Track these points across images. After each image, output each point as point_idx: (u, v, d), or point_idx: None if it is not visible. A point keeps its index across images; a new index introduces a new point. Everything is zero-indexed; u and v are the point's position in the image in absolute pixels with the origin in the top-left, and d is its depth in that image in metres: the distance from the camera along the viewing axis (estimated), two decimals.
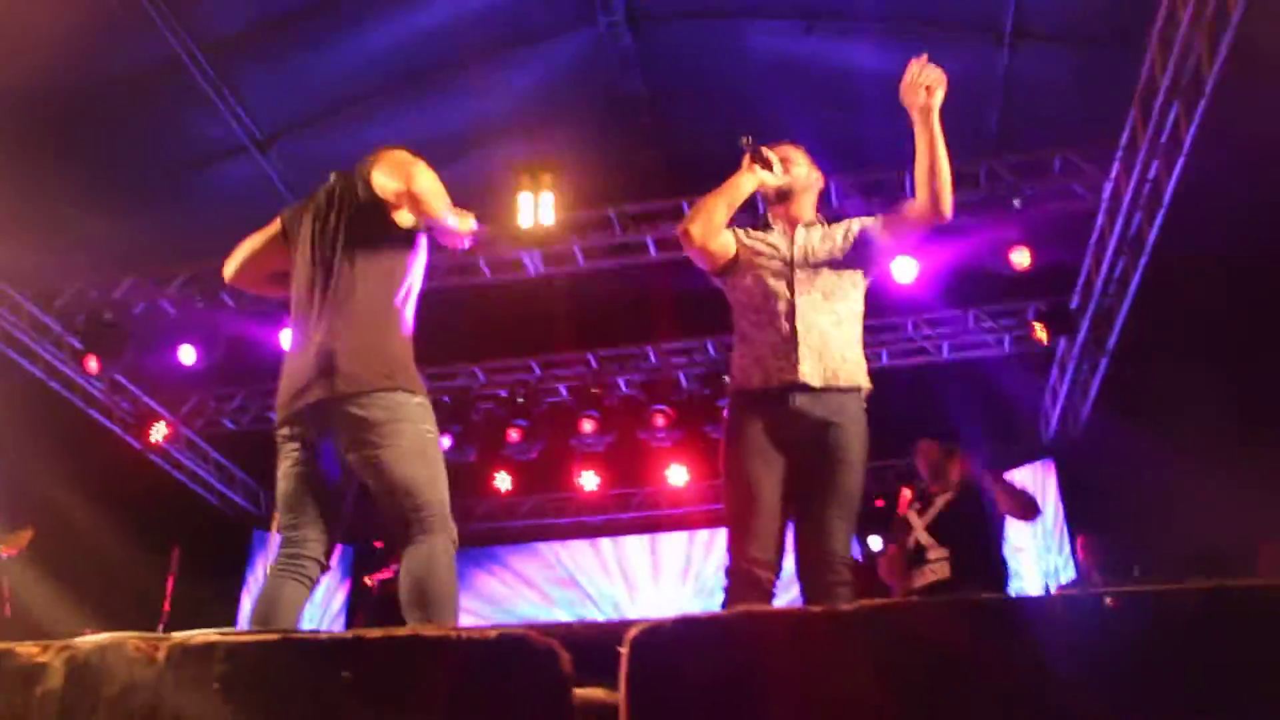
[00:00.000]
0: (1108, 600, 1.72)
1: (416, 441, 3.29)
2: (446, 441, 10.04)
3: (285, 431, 3.40)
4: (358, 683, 1.77)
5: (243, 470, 11.58)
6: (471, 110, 9.02)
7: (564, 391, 10.35)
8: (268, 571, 3.43)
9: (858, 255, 3.78)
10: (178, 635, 2.06)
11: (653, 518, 11.72)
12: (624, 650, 1.76)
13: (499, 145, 9.46)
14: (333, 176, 3.71)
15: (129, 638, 2.06)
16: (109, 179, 8.46)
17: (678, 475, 10.75)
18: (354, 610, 10.60)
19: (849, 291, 3.73)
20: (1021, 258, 8.01)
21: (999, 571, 5.46)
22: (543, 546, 12.06)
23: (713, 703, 1.68)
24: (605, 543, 11.91)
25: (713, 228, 3.70)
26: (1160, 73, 7.02)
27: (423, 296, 9.60)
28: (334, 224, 3.53)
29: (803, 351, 3.55)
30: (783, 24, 8.56)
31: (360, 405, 3.26)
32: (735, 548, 3.48)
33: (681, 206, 8.70)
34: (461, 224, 3.61)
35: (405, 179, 3.47)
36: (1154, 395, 8.54)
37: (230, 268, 3.82)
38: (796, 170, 3.85)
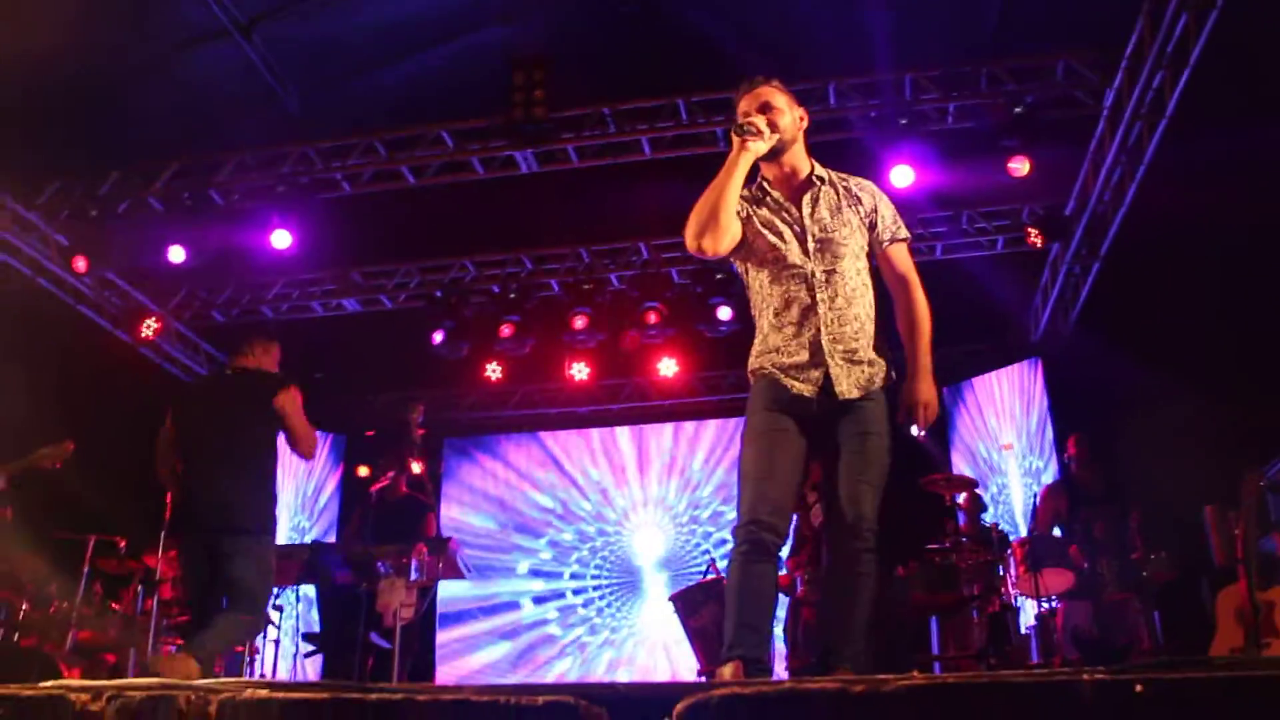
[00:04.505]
0: (1137, 688, 1.79)
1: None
2: (439, 336, 10.05)
3: None
4: None
5: None
6: None
7: (555, 286, 10.31)
8: None
9: (869, 243, 3.73)
10: (229, 685, 2.11)
11: (641, 409, 11.84)
12: None
13: (486, 30, 9.25)
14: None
15: (180, 689, 2.12)
16: (85, 69, 8.26)
17: (668, 367, 10.79)
18: (348, 510, 10.74)
19: (867, 284, 3.68)
20: (1020, 166, 7.94)
21: None
22: (532, 436, 12.21)
23: None
24: (594, 433, 12.07)
25: (722, 234, 3.58)
26: None
27: (415, 193, 9.41)
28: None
29: (832, 368, 3.53)
30: None
31: None
32: (744, 509, 3.49)
33: (677, 105, 8.57)
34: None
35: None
36: (1143, 303, 8.61)
37: None
38: (783, 121, 3.69)
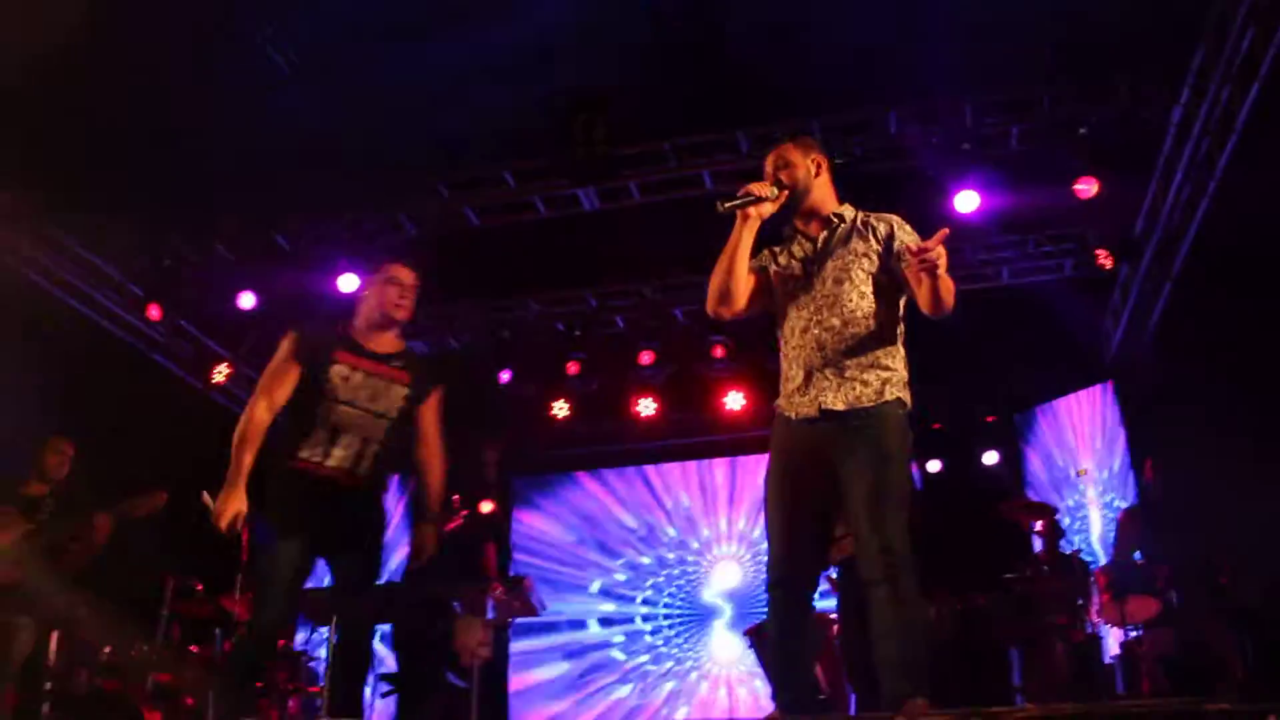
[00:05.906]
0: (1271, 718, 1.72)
1: None
2: (505, 375, 10.10)
3: None
4: None
5: None
6: (516, 32, 8.85)
7: (620, 323, 10.31)
8: None
9: (888, 266, 3.72)
10: None
11: (711, 443, 11.77)
12: None
13: (546, 68, 9.34)
14: None
15: None
16: (154, 118, 8.44)
17: (735, 400, 10.75)
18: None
19: (871, 312, 3.67)
20: (1088, 187, 7.83)
21: None
22: (604, 474, 12.19)
23: None
24: (666, 469, 12.04)
25: (735, 300, 3.74)
26: None
27: (478, 233, 9.46)
28: None
29: (822, 387, 3.61)
30: None
31: None
32: (771, 563, 3.65)
33: (736, 138, 8.56)
34: None
35: None
36: (1218, 323, 8.43)
37: None
38: (794, 174, 3.79)
